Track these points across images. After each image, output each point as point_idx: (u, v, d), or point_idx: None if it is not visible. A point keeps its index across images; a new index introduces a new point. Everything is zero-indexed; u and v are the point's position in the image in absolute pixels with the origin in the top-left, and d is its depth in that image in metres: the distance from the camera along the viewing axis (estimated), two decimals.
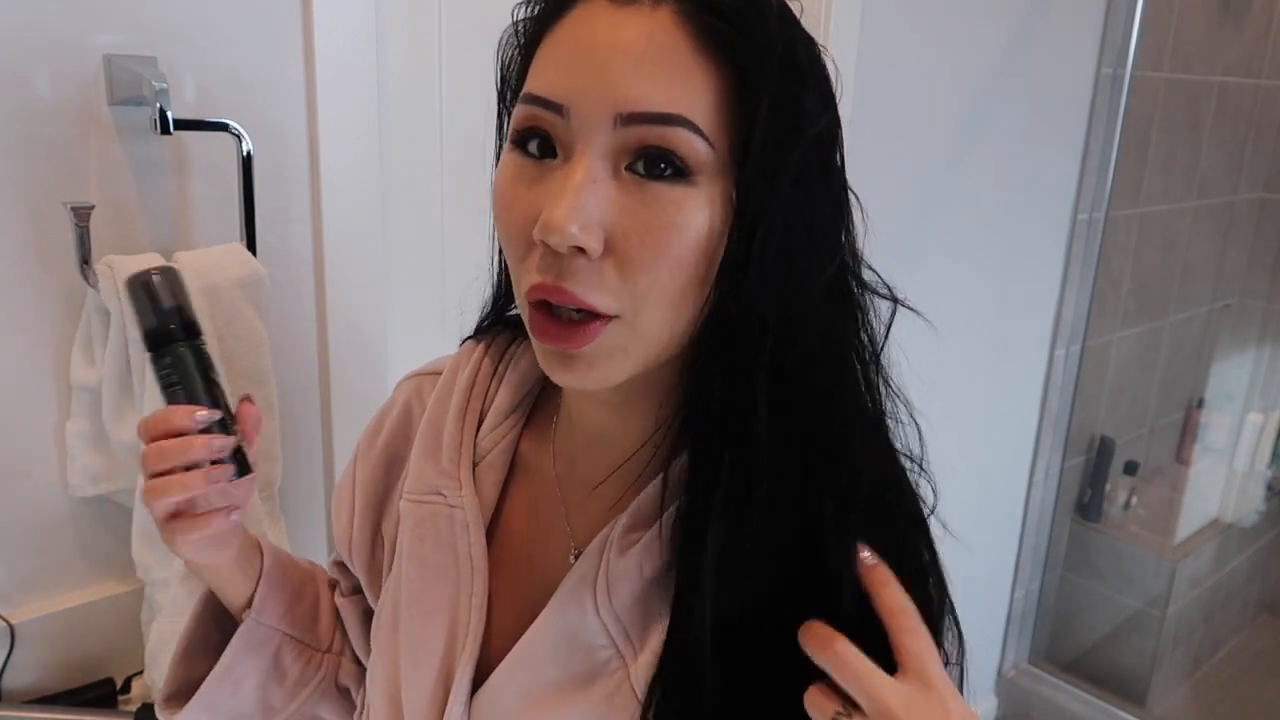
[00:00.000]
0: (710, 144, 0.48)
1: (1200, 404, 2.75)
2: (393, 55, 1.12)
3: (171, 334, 0.58)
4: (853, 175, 0.56)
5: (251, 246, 0.97)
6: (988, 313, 1.97)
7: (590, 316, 0.49)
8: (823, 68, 0.52)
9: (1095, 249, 2.11)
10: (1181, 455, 2.78)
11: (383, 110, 1.10)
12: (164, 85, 0.85)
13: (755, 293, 0.49)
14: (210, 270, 0.93)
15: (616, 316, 0.49)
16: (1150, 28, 2.02)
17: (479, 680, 0.60)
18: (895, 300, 0.58)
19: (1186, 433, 2.77)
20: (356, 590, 0.75)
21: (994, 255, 1.93)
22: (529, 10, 0.54)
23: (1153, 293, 2.48)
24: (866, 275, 0.57)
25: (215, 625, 0.71)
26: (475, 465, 0.64)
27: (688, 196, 0.48)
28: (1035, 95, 1.87)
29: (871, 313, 0.56)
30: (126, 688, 1.01)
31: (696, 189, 0.48)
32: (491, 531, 0.63)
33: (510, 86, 0.57)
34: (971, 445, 2.06)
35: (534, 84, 0.50)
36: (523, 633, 0.58)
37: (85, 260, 0.88)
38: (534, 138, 0.50)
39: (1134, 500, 2.54)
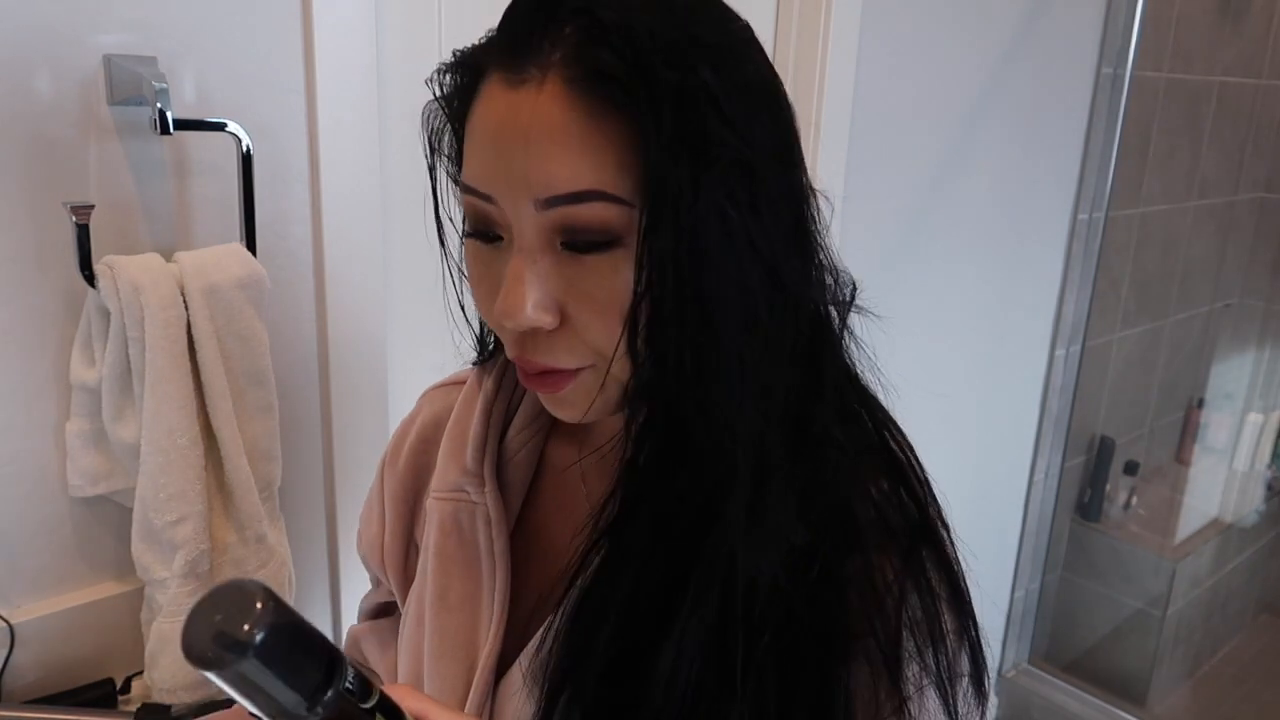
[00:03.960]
0: (628, 203, 0.47)
1: (1200, 404, 2.75)
2: (393, 55, 1.12)
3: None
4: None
5: (251, 246, 0.97)
6: (988, 313, 1.97)
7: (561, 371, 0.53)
8: (746, 83, 0.49)
9: (1095, 249, 2.11)
10: (1181, 455, 2.78)
11: (383, 110, 1.10)
12: (164, 85, 0.85)
13: (661, 334, 0.49)
14: (210, 270, 0.93)
15: (589, 366, 0.52)
16: (1150, 28, 2.02)
17: (501, 673, 0.61)
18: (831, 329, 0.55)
19: (1186, 433, 2.77)
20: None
21: (994, 255, 1.93)
22: (446, 85, 0.56)
23: (1153, 293, 2.48)
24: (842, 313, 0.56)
25: None
26: (503, 466, 0.65)
27: (618, 259, 0.49)
28: (1035, 95, 1.87)
29: (845, 346, 0.55)
30: (126, 688, 1.01)
31: (627, 249, 0.48)
32: (518, 529, 0.64)
33: (441, 155, 0.61)
34: (971, 445, 2.06)
35: (466, 173, 0.52)
36: (551, 626, 0.59)
37: (85, 260, 0.88)
38: (481, 225, 0.52)
39: (1134, 500, 2.54)
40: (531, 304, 0.49)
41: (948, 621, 0.54)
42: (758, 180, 0.48)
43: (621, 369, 0.51)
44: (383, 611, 0.83)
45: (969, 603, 0.55)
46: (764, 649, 0.51)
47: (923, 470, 0.58)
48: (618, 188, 0.47)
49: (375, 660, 0.79)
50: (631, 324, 0.49)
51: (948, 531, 0.56)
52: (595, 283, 0.49)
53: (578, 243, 0.49)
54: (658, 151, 0.46)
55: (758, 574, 0.51)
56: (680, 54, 0.46)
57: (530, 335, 0.52)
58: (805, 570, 0.52)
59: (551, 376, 0.53)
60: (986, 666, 0.56)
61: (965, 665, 0.55)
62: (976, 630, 0.55)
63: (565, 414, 0.55)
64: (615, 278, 0.49)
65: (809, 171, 0.54)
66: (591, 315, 0.50)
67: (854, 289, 0.57)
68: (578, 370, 0.52)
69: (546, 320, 0.50)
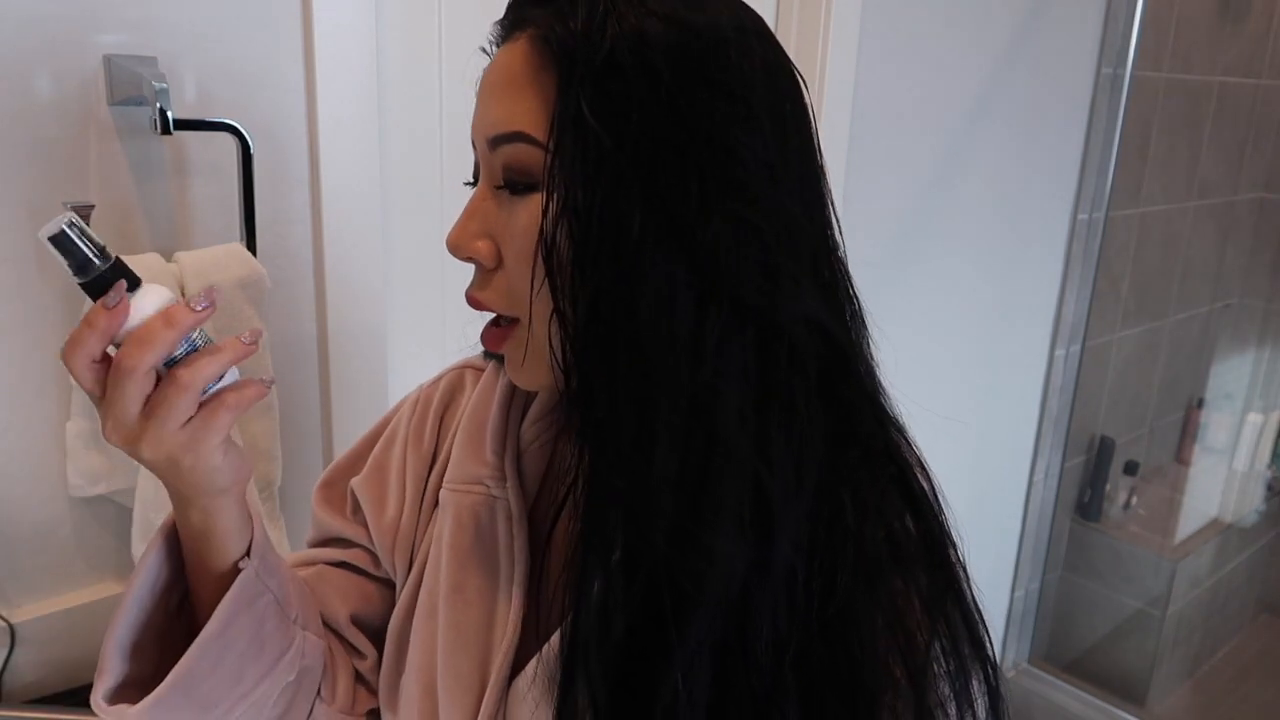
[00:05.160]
0: (545, 149, 0.49)
1: (1200, 404, 2.75)
2: (393, 55, 1.12)
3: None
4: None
5: (251, 246, 0.97)
6: (988, 313, 1.97)
7: (501, 321, 0.56)
8: (716, 94, 0.49)
9: (1095, 249, 2.11)
10: (1181, 455, 2.78)
11: (383, 110, 1.10)
12: (164, 85, 0.85)
13: (572, 282, 0.49)
14: (210, 270, 0.93)
15: (518, 320, 0.54)
16: (1150, 28, 2.02)
17: (517, 667, 0.60)
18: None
19: (1186, 433, 2.77)
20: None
21: (994, 255, 1.93)
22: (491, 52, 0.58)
23: (1153, 293, 2.48)
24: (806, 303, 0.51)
25: (164, 607, 0.60)
26: (519, 456, 0.65)
27: (535, 205, 0.51)
28: (1035, 95, 1.87)
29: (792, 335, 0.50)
30: None
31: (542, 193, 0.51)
32: (533, 520, 0.64)
33: None
34: (971, 445, 2.06)
35: None
36: (562, 620, 0.58)
37: None
38: (475, 171, 0.57)
39: (1134, 500, 2.54)
40: (468, 234, 0.54)
41: (970, 663, 0.54)
42: (688, 175, 0.48)
43: (542, 324, 0.51)
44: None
45: (987, 647, 0.56)
46: (784, 687, 0.50)
47: (941, 504, 0.57)
48: (540, 131, 0.50)
49: (335, 607, 0.72)
50: (550, 279, 0.50)
51: (965, 572, 0.57)
52: (518, 224, 0.52)
53: (511, 183, 0.52)
54: (568, 102, 0.48)
55: (759, 604, 0.50)
56: (640, 39, 0.48)
57: (479, 275, 0.55)
58: (820, 608, 0.51)
59: (495, 330, 0.56)
60: (1005, 708, 0.56)
61: (983, 710, 0.55)
62: (997, 675, 0.56)
63: (512, 376, 0.57)
64: (529, 220, 0.51)
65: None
66: (516, 259, 0.52)
67: (863, 320, 0.56)
68: (513, 323, 0.55)
69: (479, 250, 0.54)
